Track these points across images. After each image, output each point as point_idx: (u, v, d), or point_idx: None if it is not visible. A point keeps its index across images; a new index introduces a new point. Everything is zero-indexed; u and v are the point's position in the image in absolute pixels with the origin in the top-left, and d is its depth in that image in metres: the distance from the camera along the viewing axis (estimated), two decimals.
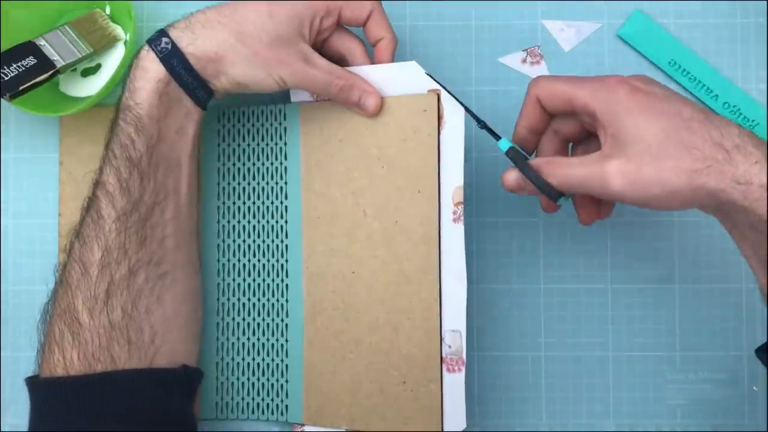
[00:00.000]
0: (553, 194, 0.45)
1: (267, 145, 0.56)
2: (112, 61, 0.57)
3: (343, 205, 0.52)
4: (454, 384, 0.50)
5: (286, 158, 0.55)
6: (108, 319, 0.46)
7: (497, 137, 0.48)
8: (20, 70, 0.51)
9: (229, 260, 0.56)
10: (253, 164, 0.56)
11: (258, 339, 0.55)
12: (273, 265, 0.55)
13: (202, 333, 0.54)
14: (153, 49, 0.48)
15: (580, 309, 0.57)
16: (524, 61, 0.58)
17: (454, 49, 0.59)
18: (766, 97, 0.57)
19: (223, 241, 0.56)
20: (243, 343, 0.56)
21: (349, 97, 0.51)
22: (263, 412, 0.55)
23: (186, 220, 0.50)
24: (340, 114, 0.52)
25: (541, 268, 0.57)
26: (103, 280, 0.46)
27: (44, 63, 0.52)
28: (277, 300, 0.55)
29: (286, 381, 0.54)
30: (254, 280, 0.56)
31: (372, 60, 0.52)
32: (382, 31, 0.51)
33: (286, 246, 0.55)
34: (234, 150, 0.56)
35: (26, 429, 0.46)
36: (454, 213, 0.50)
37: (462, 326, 0.50)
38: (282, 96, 0.54)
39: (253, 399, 0.55)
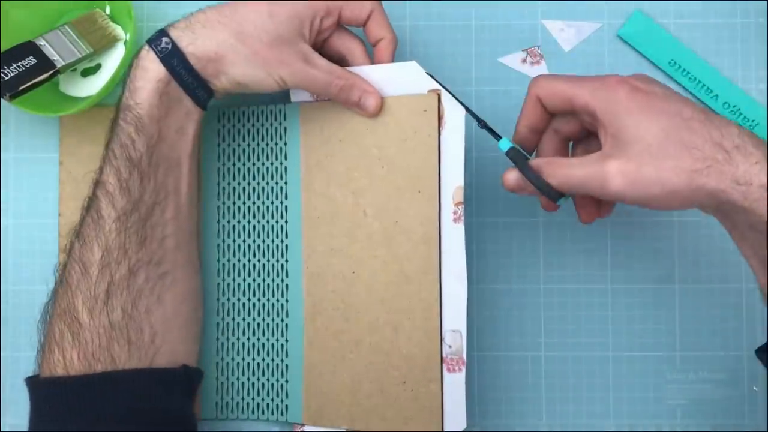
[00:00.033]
0: (553, 195, 0.45)
1: (267, 145, 0.56)
2: (112, 61, 0.57)
3: (343, 205, 0.52)
4: (455, 384, 0.50)
5: (286, 158, 0.55)
6: (108, 319, 0.45)
7: (498, 137, 0.48)
8: (20, 70, 0.51)
9: (229, 260, 0.56)
10: (253, 164, 0.56)
11: (258, 339, 0.55)
12: (273, 265, 0.55)
13: (202, 333, 0.54)
14: (153, 49, 0.48)
15: (580, 309, 0.57)
16: (524, 61, 0.58)
17: (454, 49, 0.59)
18: (766, 97, 0.57)
19: (223, 241, 0.56)
20: (243, 343, 0.56)
21: (349, 97, 0.51)
22: (263, 412, 0.55)
23: (186, 219, 0.50)
24: (340, 114, 0.52)
25: (541, 268, 0.57)
26: (103, 280, 0.46)
27: (44, 63, 0.52)
28: (277, 300, 0.55)
29: (286, 381, 0.54)
30: (254, 280, 0.56)
31: (372, 60, 0.52)
32: (382, 31, 0.51)
33: (286, 246, 0.55)
34: (234, 150, 0.56)
35: (26, 429, 0.46)
36: (455, 213, 0.50)
37: (462, 326, 0.50)
38: (282, 96, 0.54)
39: (253, 399, 0.55)
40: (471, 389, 0.56)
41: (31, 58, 0.52)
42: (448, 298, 0.50)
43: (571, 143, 0.50)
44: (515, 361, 0.57)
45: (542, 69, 0.58)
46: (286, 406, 0.54)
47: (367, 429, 0.51)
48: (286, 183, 0.55)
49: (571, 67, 0.58)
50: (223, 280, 0.56)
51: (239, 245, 0.56)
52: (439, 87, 0.50)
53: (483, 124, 0.48)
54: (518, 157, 0.47)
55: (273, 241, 0.55)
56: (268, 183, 0.56)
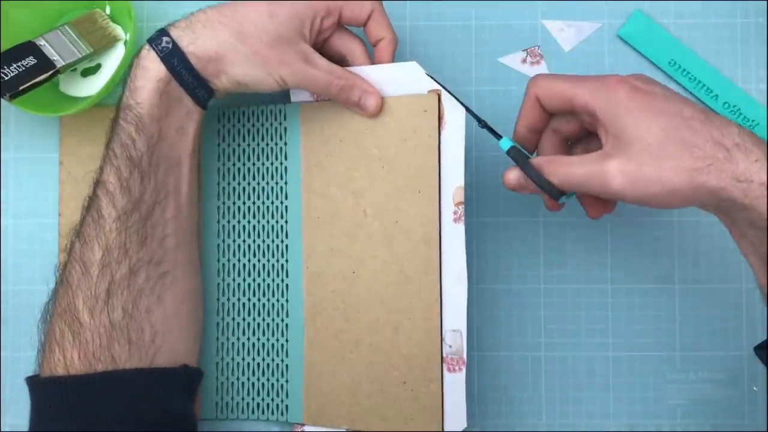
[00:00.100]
0: (554, 193, 0.46)
1: (267, 145, 0.56)
2: (112, 61, 0.57)
3: (343, 205, 0.52)
4: (455, 384, 0.50)
5: (286, 158, 0.55)
6: (108, 319, 0.45)
7: (498, 136, 0.48)
8: (20, 70, 0.51)
9: (229, 260, 0.56)
10: (253, 164, 0.56)
11: (258, 339, 0.55)
12: (273, 265, 0.55)
13: (202, 333, 0.54)
14: (154, 49, 0.48)
15: (580, 309, 0.57)
16: (524, 61, 0.59)
17: (454, 49, 0.59)
18: (766, 97, 0.58)
19: (223, 241, 0.56)
20: (243, 343, 0.55)
21: (349, 97, 0.51)
22: (263, 412, 0.55)
23: (186, 219, 0.50)
24: (340, 114, 0.52)
25: (541, 268, 0.57)
26: (104, 280, 0.46)
27: (44, 63, 0.52)
28: (277, 300, 0.55)
29: (286, 381, 0.54)
30: (254, 280, 0.56)
31: (372, 60, 0.52)
32: (382, 31, 0.51)
33: (286, 246, 0.55)
34: (234, 150, 0.56)
35: (26, 429, 0.46)
36: (455, 213, 0.50)
37: (462, 326, 0.50)
38: (282, 96, 0.54)
39: (253, 399, 0.55)
40: (471, 389, 0.56)
41: (31, 58, 0.52)
42: (448, 298, 0.50)
43: (570, 143, 0.50)
44: (515, 361, 0.57)
45: (542, 69, 0.58)
46: (286, 406, 0.54)
47: (367, 429, 0.51)
48: (286, 183, 0.55)
49: (571, 67, 0.58)
50: (223, 280, 0.56)
51: (239, 245, 0.56)
52: (440, 87, 0.50)
53: (483, 124, 0.49)
54: (519, 155, 0.47)
55: (273, 241, 0.55)
56: (268, 183, 0.56)
